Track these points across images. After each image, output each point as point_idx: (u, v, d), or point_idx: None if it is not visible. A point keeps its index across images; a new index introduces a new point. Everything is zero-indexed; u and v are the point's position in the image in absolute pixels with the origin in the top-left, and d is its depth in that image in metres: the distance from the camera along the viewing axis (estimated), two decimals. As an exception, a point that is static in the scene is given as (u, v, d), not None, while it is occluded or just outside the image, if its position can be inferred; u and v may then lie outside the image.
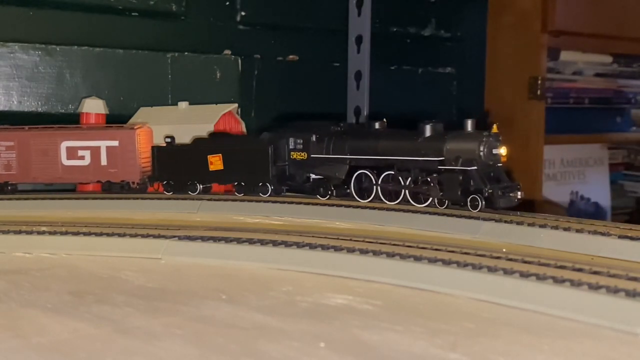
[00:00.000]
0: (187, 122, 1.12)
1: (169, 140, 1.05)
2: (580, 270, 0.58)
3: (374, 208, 0.88)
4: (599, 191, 2.12)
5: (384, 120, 0.93)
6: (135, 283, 0.65)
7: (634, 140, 2.19)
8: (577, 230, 0.74)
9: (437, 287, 0.60)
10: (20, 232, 0.78)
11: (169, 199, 1.00)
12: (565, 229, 0.74)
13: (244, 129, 1.16)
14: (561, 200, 2.01)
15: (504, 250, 0.69)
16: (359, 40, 1.55)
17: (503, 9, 1.82)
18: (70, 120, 1.21)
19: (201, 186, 1.03)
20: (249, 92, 1.46)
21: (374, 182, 0.90)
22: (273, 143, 0.97)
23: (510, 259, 0.62)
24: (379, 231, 0.83)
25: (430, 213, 0.84)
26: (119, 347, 0.48)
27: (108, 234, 0.77)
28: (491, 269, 0.59)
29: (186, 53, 1.38)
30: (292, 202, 0.94)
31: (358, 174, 0.91)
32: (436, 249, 0.66)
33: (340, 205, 0.90)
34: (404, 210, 0.86)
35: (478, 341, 0.49)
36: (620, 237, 0.71)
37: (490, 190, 0.81)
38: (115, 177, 1.05)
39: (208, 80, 1.40)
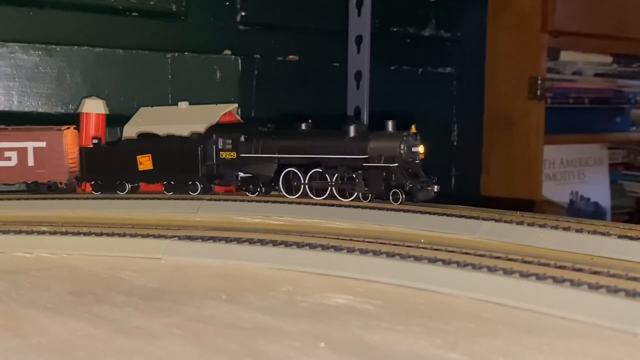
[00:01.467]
0: (187, 122, 1.12)
1: (95, 141, 1.08)
2: (580, 270, 0.58)
3: (373, 208, 0.88)
4: (598, 191, 2.12)
5: (309, 121, 0.99)
6: (135, 283, 0.65)
7: (634, 140, 2.19)
8: (577, 230, 0.74)
9: (437, 287, 0.60)
10: (20, 232, 0.78)
11: (169, 199, 1.00)
12: (565, 229, 0.74)
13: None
14: (561, 200, 2.01)
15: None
16: (359, 40, 1.55)
17: (503, 9, 1.82)
18: (71, 120, 1.21)
19: (130, 186, 1.06)
20: (249, 92, 1.46)
21: (302, 180, 0.95)
22: (202, 143, 1.02)
23: (510, 259, 0.62)
24: (379, 231, 0.83)
25: (430, 213, 0.84)
26: (119, 347, 0.48)
27: (108, 234, 0.77)
28: (491, 269, 0.59)
29: (186, 53, 1.38)
30: (292, 202, 0.94)
31: (286, 172, 0.97)
32: (436, 249, 0.66)
33: (340, 205, 0.90)
34: (404, 210, 0.86)
35: (478, 341, 0.49)
36: (620, 237, 0.71)
37: (410, 185, 0.89)
38: (43, 177, 1.08)
39: (208, 80, 1.40)
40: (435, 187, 0.91)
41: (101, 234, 0.77)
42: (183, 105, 1.16)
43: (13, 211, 0.97)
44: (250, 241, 0.72)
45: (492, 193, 1.86)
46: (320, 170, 0.94)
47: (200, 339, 0.50)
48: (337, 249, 0.68)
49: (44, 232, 0.78)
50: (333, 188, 0.93)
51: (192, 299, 0.60)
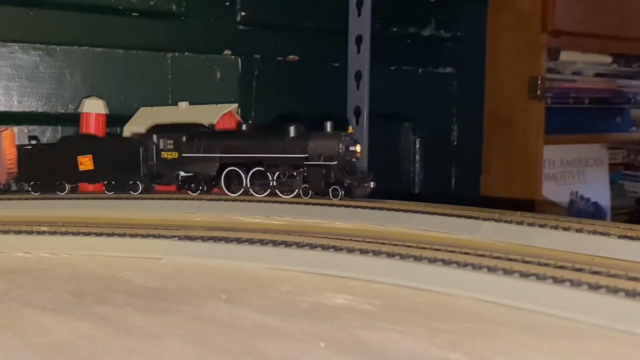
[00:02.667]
0: (187, 122, 1.12)
1: (34, 141, 1.09)
2: (580, 270, 0.58)
3: (374, 208, 0.88)
4: (598, 191, 2.12)
5: (250, 122, 1.05)
6: (135, 283, 0.65)
7: (634, 140, 2.19)
8: (577, 230, 0.74)
9: (437, 287, 0.60)
10: (20, 232, 0.78)
11: (169, 199, 1.00)
12: (565, 229, 0.74)
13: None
14: (561, 200, 2.01)
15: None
16: (359, 40, 1.55)
17: (503, 9, 1.82)
18: (71, 120, 1.21)
19: (70, 186, 1.07)
20: (249, 92, 1.46)
21: (244, 178, 0.99)
22: (143, 144, 1.04)
23: (510, 259, 0.62)
24: (379, 231, 0.83)
25: (430, 213, 0.84)
26: (119, 347, 0.48)
27: (108, 234, 0.77)
28: (491, 269, 0.59)
29: (186, 53, 1.38)
30: (292, 202, 0.94)
31: (228, 171, 1.00)
32: (436, 249, 0.66)
33: (340, 205, 0.90)
34: (404, 210, 0.86)
35: (478, 341, 0.49)
36: (620, 237, 0.71)
37: (349, 182, 0.93)
38: None
39: (208, 80, 1.40)
40: (372, 183, 0.96)
41: (101, 234, 0.77)
42: (183, 105, 1.16)
43: (13, 211, 0.97)
44: (250, 241, 0.72)
45: (492, 193, 1.86)
46: (262, 168, 0.98)
47: (200, 339, 0.50)
48: (337, 249, 0.68)
49: (44, 232, 0.78)
50: (274, 186, 0.97)
51: (192, 299, 0.60)
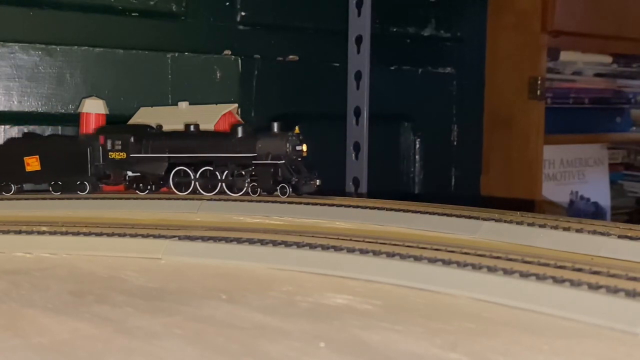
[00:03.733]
0: (187, 122, 1.12)
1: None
2: (580, 270, 0.58)
3: (374, 208, 0.88)
4: (598, 191, 2.12)
5: (197, 123, 1.06)
6: (135, 283, 0.65)
7: (634, 140, 2.19)
8: (577, 230, 0.74)
9: (437, 287, 0.60)
10: (20, 232, 0.78)
11: (169, 199, 1.00)
12: (565, 229, 0.74)
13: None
14: (561, 200, 2.01)
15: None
16: (359, 40, 1.55)
17: (503, 9, 1.82)
18: (71, 120, 1.21)
19: (15, 187, 1.07)
20: (249, 92, 1.46)
21: (192, 177, 1.02)
22: (91, 144, 1.06)
23: (510, 259, 0.62)
24: (379, 231, 0.83)
25: (430, 213, 0.84)
26: (119, 346, 0.48)
27: (108, 234, 0.77)
28: (491, 269, 0.59)
29: (186, 53, 1.38)
30: (292, 202, 0.94)
31: (177, 170, 1.03)
32: (436, 249, 0.66)
33: (340, 205, 0.90)
34: (404, 210, 0.86)
35: (478, 341, 0.49)
36: (620, 237, 0.71)
37: (296, 180, 0.97)
38: None
39: (208, 80, 1.40)
40: (318, 181, 1.00)
41: (101, 234, 0.77)
42: (183, 105, 1.16)
43: (13, 211, 0.97)
44: (250, 241, 0.72)
45: (492, 193, 1.86)
46: (211, 168, 1.01)
47: (200, 339, 0.50)
48: (337, 249, 0.68)
49: (44, 232, 0.78)
50: (223, 184, 1.00)
51: (192, 299, 0.60)
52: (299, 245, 0.70)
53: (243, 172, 1.00)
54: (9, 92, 1.22)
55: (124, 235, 0.77)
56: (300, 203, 0.93)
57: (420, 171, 1.74)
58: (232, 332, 0.51)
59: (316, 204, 0.92)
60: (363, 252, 0.66)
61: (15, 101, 1.23)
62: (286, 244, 0.71)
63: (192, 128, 1.05)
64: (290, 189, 0.97)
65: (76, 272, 0.70)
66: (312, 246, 0.69)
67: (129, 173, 1.06)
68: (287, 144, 0.98)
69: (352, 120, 1.57)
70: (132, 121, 1.17)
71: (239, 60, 1.44)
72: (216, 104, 1.16)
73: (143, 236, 0.76)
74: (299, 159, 0.99)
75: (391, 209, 0.87)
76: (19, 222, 0.85)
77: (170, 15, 1.36)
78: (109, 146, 1.05)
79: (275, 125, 0.99)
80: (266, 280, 0.66)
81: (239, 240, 0.72)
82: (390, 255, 0.65)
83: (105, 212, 0.96)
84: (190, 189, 1.02)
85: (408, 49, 1.69)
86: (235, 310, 0.56)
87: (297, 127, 1.00)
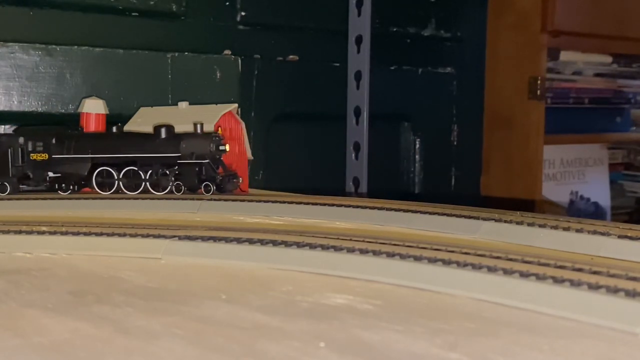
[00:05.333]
0: (187, 122, 1.12)
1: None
2: (580, 270, 0.58)
3: (374, 208, 0.88)
4: (598, 191, 2.12)
5: (119, 124, 1.10)
6: (135, 283, 0.65)
7: (634, 140, 2.19)
8: (577, 230, 0.74)
9: (437, 287, 0.60)
10: (20, 232, 0.78)
11: (169, 199, 1.00)
12: (565, 229, 0.74)
13: (244, 130, 1.16)
14: (561, 200, 2.01)
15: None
16: (359, 40, 1.55)
17: (503, 9, 1.82)
18: (71, 120, 1.21)
19: None
20: (249, 92, 1.46)
21: (115, 177, 1.04)
22: (11, 145, 1.07)
23: (510, 259, 0.62)
24: (379, 231, 0.83)
25: (430, 213, 0.84)
26: (119, 346, 0.48)
27: (108, 234, 0.77)
28: (491, 269, 0.59)
29: (186, 53, 1.38)
30: (292, 202, 0.94)
31: (100, 170, 1.05)
32: (436, 249, 0.66)
33: (340, 205, 0.90)
34: (404, 210, 0.86)
35: (478, 341, 0.49)
36: (620, 237, 0.71)
37: (220, 178, 1.01)
38: None
39: (208, 80, 1.40)
40: (240, 179, 1.05)
41: (101, 234, 0.77)
42: (183, 105, 1.16)
43: (13, 211, 0.97)
44: (250, 241, 0.72)
45: (492, 193, 1.86)
46: (134, 168, 1.04)
47: (200, 339, 0.50)
48: (337, 249, 0.68)
49: (44, 232, 0.78)
50: (147, 183, 1.03)
51: (192, 299, 0.60)
52: (299, 245, 0.70)
53: (167, 172, 1.03)
54: (9, 92, 1.22)
55: (124, 235, 0.77)
56: (300, 203, 0.93)
57: (420, 171, 1.74)
58: (232, 332, 0.51)
59: (316, 203, 0.92)
60: (363, 252, 0.66)
61: (15, 101, 1.23)
62: (286, 244, 0.70)
63: (114, 129, 1.08)
64: (214, 187, 1.01)
65: (76, 272, 0.70)
66: (312, 246, 0.69)
67: (50, 174, 1.07)
68: (211, 144, 1.02)
69: (352, 120, 1.57)
70: (132, 121, 1.17)
71: (239, 60, 1.44)
72: (216, 104, 1.16)
73: (143, 236, 0.76)
74: (221, 158, 1.03)
75: (391, 209, 0.87)
76: (19, 222, 0.84)
77: (170, 15, 1.36)
78: (30, 147, 1.07)
79: (199, 126, 1.03)
80: (266, 280, 0.66)
81: (239, 240, 0.72)
82: (390, 255, 0.65)
83: (105, 212, 0.96)
84: (113, 189, 1.05)
85: (408, 49, 1.69)
86: (235, 310, 0.56)
87: (220, 128, 1.05)
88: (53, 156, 1.06)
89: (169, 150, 1.03)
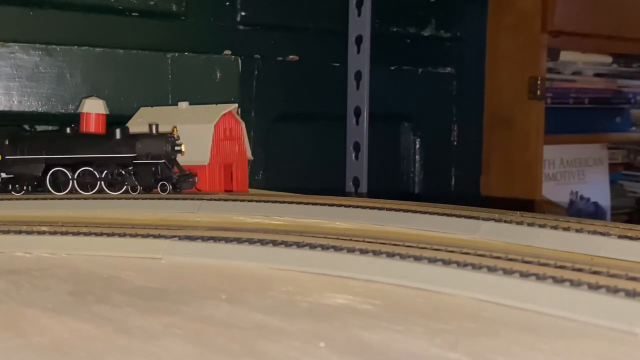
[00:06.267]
0: (187, 122, 1.12)
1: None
2: (580, 270, 0.58)
3: (374, 208, 0.88)
4: (598, 191, 2.12)
5: (73, 125, 1.10)
6: (135, 283, 0.65)
7: (634, 140, 2.19)
8: (577, 230, 0.73)
9: (437, 287, 0.60)
10: (20, 232, 0.78)
11: (169, 199, 1.00)
12: (565, 229, 0.74)
13: (244, 130, 1.16)
14: (561, 200, 2.01)
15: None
16: (359, 40, 1.55)
17: (503, 9, 1.82)
18: (71, 120, 1.21)
19: None
20: (249, 92, 1.46)
21: (70, 177, 1.05)
22: None
23: (510, 259, 0.62)
24: (379, 231, 0.83)
25: (430, 213, 0.84)
26: (119, 346, 0.48)
27: (108, 234, 0.77)
28: (491, 269, 0.59)
29: (186, 53, 1.38)
30: (292, 202, 0.94)
31: (54, 171, 1.05)
32: (436, 249, 0.66)
33: (340, 205, 0.90)
34: (404, 210, 0.86)
35: (478, 341, 0.49)
36: (620, 237, 0.71)
37: (176, 177, 1.03)
38: None
39: (208, 80, 1.40)
40: (196, 178, 1.06)
41: (101, 234, 0.77)
42: (183, 105, 1.16)
43: (13, 211, 0.97)
44: (250, 241, 0.72)
45: (492, 193, 1.86)
46: (89, 168, 1.05)
47: (200, 339, 0.50)
48: (337, 249, 0.68)
49: (44, 232, 0.78)
50: (102, 183, 1.04)
51: (192, 299, 0.60)
52: (299, 245, 0.70)
53: (123, 172, 1.04)
54: (9, 92, 1.22)
55: (124, 235, 0.77)
56: (300, 203, 0.93)
57: (420, 171, 1.74)
58: (232, 332, 0.51)
59: (316, 203, 0.92)
60: (363, 252, 0.66)
61: (15, 101, 1.23)
62: (286, 244, 0.70)
63: (68, 130, 1.08)
64: (170, 187, 1.03)
65: (76, 272, 0.70)
66: (312, 246, 0.69)
67: (3, 175, 1.07)
68: (167, 144, 1.03)
69: (352, 120, 1.57)
70: (132, 121, 1.17)
71: (239, 60, 1.44)
72: (216, 104, 1.16)
73: (143, 236, 0.76)
74: (176, 158, 1.05)
75: (391, 209, 0.87)
76: (19, 222, 0.84)
77: (170, 15, 1.36)
78: None
79: (154, 127, 1.05)
80: (266, 280, 0.66)
81: (239, 240, 0.72)
82: (390, 255, 0.65)
83: (105, 212, 0.96)
84: (68, 189, 1.05)
85: (408, 49, 1.69)
86: (235, 310, 0.56)
87: (175, 129, 1.05)
88: (6, 157, 1.07)
89: (125, 151, 1.04)
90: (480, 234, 0.78)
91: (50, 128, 1.27)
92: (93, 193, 1.04)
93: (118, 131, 1.05)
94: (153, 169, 1.04)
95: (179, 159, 1.05)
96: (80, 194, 1.04)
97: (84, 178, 1.05)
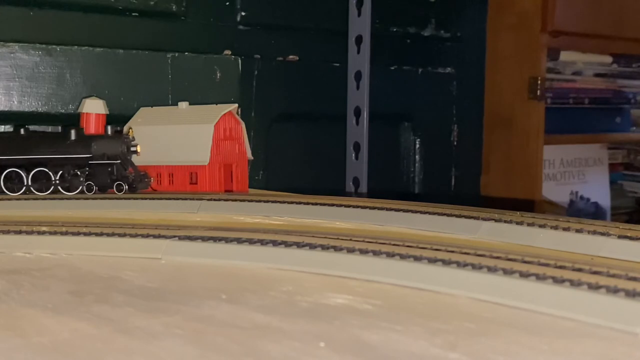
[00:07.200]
0: (187, 122, 1.12)
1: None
2: (580, 270, 0.58)
3: (374, 208, 0.88)
4: (598, 191, 2.12)
5: (27, 126, 1.11)
6: (135, 283, 0.65)
7: (634, 140, 2.19)
8: (577, 230, 0.73)
9: (437, 287, 0.60)
10: (20, 232, 0.78)
11: (169, 199, 1.00)
12: (565, 229, 0.74)
13: (244, 130, 1.16)
14: (561, 200, 2.01)
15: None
16: (359, 40, 1.55)
17: (503, 9, 1.82)
18: (71, 120, 1.21)
19: None
20: (249, 92, 1.46)
21: (24, 178, 1.05)
22: None
23: (510, 259, 0.62)
24: (379, 231, 0.83)
25: (430, 213, 0.84)
26: (119, 346, 0.48)
27: (108, 234, 0.77)
28: (491, 269, 0.59)
29: (186, 53, 1.38)
30: (292, 202, 0.94)
31: (8, 172, 1.06)
32: (436, 249, 0.66)
33: (340, 205, 0.90)
34: (404, 210, 0.86)
35: (478, 341, 0.49)
36: (620, 237, 0.71)
37: (133, 177, 1.05)
38: None
39: (208, 80, 1.40)
40: (152, 179, 1.09)
41: (101, 234, 0.77)
42: (183, 105, 1.16)
43: (13, 211, 0.97)
44: (250, 241, 0.72)
45: (492, 193, 1.86)
46: (44, 169, 1.05)
47: (200, 339, 0.50)
48: (337, 249, 0.68)
49: (44, 232, 0.78)
50: (58, 184, 1.05)
51: (192, 299, 0.60)
52: (299, 245, 0.70)
53: (79, 172, 1.05)
54: (9, 92, 1.22)
55: (124, 235, 0.77)
56: (300, 203, 0.93)
57: (420, 171, 1.74)
58: (232, 332, 0.51)
59: (316, 203, 0.92)
60: (363, 252, 0.66)
61: (15, 101, 1.23)
62: (286, 244, 0.70)
63: (22, 131, 1.08)
64: (127, 187, 1.04)
65: (76, 272, 0.70)
66: (312, 246, 0.69)
67: None
68: (123, 145, 1.05)
69: (352, 120, 1.57)
70: (132, 121, 1.17)
71: (239, 60, 1.44)
72: (216, 104, 1.16)
73: (143, 236, 0.76)
74: (132, 158, 1.07)
75: (391, 209, 0.87)
76: (19, 222, 0.84)
77: (170, 15, 1.36)
78: None
79: (109, 128, 1.07)
80: (266, 280, 0.66)
81: (239, 240, 0.72)
82: (390, 255, 0.65)
83: (105, 212, 0.96)
84: (22, 190, 1.06)
85: (408, 49, 1.69)
86: (235, 310, 0.56)
87: (130, 130, 1.08)
88: None
89: (80, 151, 1.05)
90: (480, 234, 0.78)
91: (50, 128, 1.27)
92: (48, 194, 1.05)
93: (73, 132, 1.06)
94: (109, 169, 1.05)
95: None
96: (36, 194, 1.05)
97: (39, 179, 1.06)
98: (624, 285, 0.53)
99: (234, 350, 0.47)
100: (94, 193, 1.05)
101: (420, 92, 1.71)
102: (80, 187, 1.05)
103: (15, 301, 0.59)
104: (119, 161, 1.05)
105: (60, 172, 1.05)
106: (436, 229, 0.81)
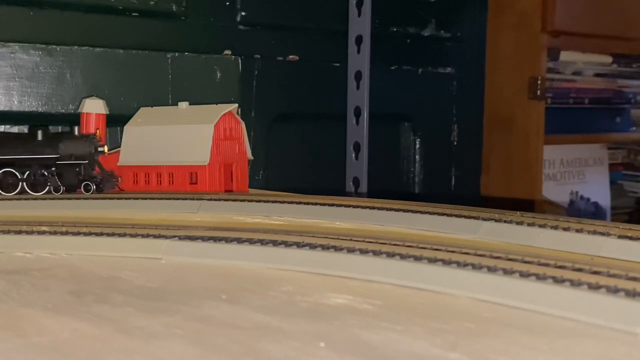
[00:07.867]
0: (187, 122, 1.12)
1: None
2: (580, 270, 0.58)
3: (374, 208, 0.88)
4: (598, 191, 2.12)
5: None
6: (135, 283, 0.65)
7: (634, 140, 2.19)
8: (577, 230, 0.73)
9: (437, 287, 0.60)
10: (20, 232, 0.78)
11: (169, 199, 1.00)
12: (565, 229, 0.74)
13: (244, 130, 1.16)
14: (561, 200, 2.01)
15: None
16: (359, 40, 1.55)
17: (503, 9, 1.82)
18: (71, 120, 1.21)
19: None
20: (249, 92, 1.46)
21: None
22: None
23: (510, 259, 0.62)
24: (379, 231, 0.83)
25: (430, 213, 0.84)
26: (119, 346, 0.48)
27: (108, 234, 0.77)
28: (491, 269, 0.59)
29: (186, 53, 1.38)
30: (292, 202, 0.94)
31: None
32: (436, 249, 0.66)
33: (340, 205, 0.90)
34: (404, 210, 0.86)
35: (478, 341, 0.49)
36: (620, 237, 0.71)
37: (100, 177, 1.06)
38: None
39: (208, 80, 1.40)
40: (120, 179, 1.10)
41: (101, 234, 0.77)
42: (183, 105, 1.16)
43: (13, 211, 0.97)
44: (250, 241, 0.72)
45: (492, 193, 1.86)
46: (11, 169, 1.06)
47: (200, 339, 0.50)
48: (337, 249, 0.68)
49: (44, 232, 0.78)
50: (24, 184, 1.06)
51: (192, 299, 0.60)
52: (299, 245, 0.70)
53: (46, 172, 1.06)
54: (9, 92, 1.22)
55: (124, 235, 0.77)
56: (300, 203, 0.93)
57: (420, 171, 1.74)
58: (232, 332, 0.51)
59: (316, 203, 0.92)
60: (363, 252, 0.66)
61: (15, 101, 1.23)
62: (286, 244, 0.70)
63: None
64: (94, 187, 1.06)
65: (76, 272, 0.70)
66: (312, 246, 0.69)
67: None
68: (90, 146, 1.06)
69: (352, 120, 1.57)
70: (132, 121, 1.17)
71: (239, 60, 1.44)
72: (216, 104, 1.16)
73: (143, 236, 0.76)
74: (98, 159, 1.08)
75: (391, 209, 0.87)
76: (19, 222, 0.84)
77: (170, 15, 1.36)
78: None
79: (76, 129, 1.08)
80: (266, 280, 0.66)
81: (239, 240, 0.72)
82: (390, 255, 0.65)
83: (105, 212, 0.96)
84: None
85: (408, 49, 1.69)
86: (235, 310, 0.56)
87: (97, 131, 1.09)
88: None
89: (48, 152, 1.06)
90: (480, 234, 0.78)
91: (50, 128, 1.27)
92: (15, 194, 1.06)
93: (40, 132, 1.07)
94: (76, 169, 1.06)
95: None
96: (2, 195, 1.05)
97: (6, 179, 1.06)
98: (624, 285, 0.53)
99: (234, 350, 0.47)
100: (61, 193, 1.05)
101: (420, 92, 1.71)
102: (48, 188, 1.06)
103: (15, 301, 0.59)
104: (86, 161, 1.06)
105: (28, 172, 1.06)
106: (436, 229, 0.81)
